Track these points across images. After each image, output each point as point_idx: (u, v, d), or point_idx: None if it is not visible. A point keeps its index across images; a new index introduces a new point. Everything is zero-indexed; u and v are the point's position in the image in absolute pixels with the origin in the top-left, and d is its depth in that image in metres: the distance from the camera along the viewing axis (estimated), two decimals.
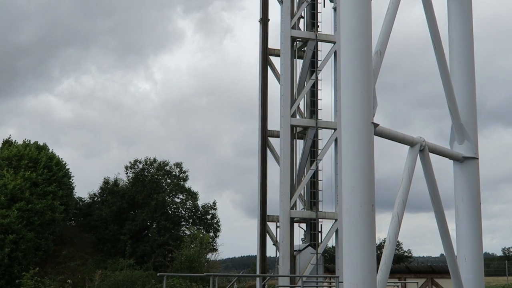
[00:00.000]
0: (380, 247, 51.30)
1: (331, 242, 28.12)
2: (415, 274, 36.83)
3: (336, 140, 26.69)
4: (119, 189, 52.62)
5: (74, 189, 49.03)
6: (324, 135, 27.30)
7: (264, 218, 25.90)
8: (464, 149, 8.21)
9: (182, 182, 54.26)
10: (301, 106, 27.90)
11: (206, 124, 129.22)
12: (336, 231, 26.54)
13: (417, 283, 33.12)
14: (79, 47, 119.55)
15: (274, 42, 27.74)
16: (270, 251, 26.56)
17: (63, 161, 47.45)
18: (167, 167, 54.26)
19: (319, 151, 26.94)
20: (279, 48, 27.32)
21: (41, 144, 47.68)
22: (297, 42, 27.68)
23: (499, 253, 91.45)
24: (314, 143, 27.10)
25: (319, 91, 27.50)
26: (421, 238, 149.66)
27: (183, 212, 54.22)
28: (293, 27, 26.98)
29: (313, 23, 27.92)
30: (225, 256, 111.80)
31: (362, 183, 6.46)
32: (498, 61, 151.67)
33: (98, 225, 50.17)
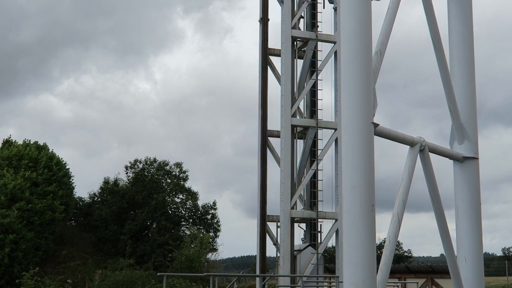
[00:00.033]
0: (380, 247, 51.31)
1: (331, 242, 28.11)
2: (415, 274, 36.83)
3: (336, 140, 26.68)
4: (119, 189, 52.62)
5: (74, 189, 49.08)
6: (325, 135, 27.32)
7: (264, 218, 25.89)
8: (464, 149, 8.21)
9: (182, 182, 54.27)
10: (301, 106, 27.90)
11: (206, 124, 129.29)
12: (337, 231, 26.54)
13: (417, 283, 33.12)
14: (79, 47, 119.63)
15: (274, 42, 27.76)
16: (270, 251, 26.58)
17: (63, 161, 47.49)
18: (167, 167, 54.27)
19: (319, 151, 26.94)
20: (279, 48, 27.31)
21: (41, 144, 47.72)
22: (297, 42, 27.68)
23: (499, 253, 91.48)
24: (315, 143, 27.10)
25: (319, 91, 27.50)
26: (421, 238, 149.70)
27: (183, 212, 54.24)
28: (293, 27, 26.98)
29: (313, 23, 27.92)
30: (225, 256, 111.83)
31: (362, 183, 6.46)
32: (498, 61, 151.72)
33: (98, 225, 50.18)
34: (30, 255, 40.99)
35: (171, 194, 53.83)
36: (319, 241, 26.50)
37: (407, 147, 7.42)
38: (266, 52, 27.06)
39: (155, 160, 54.21)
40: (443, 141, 8.43)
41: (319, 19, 27.95)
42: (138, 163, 54.10)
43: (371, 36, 6.77)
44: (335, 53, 27.15)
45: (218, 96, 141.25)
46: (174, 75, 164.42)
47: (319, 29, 27.67)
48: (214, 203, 55.03)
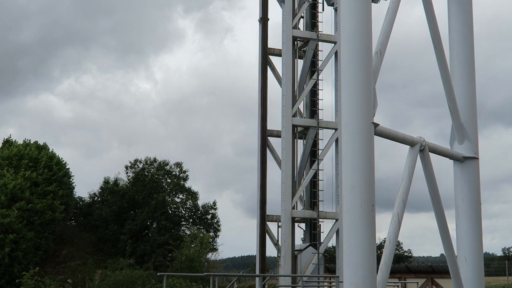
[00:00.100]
0: (380, 247, 51.31)
1: (332, 242, 28.10)
2: (415, 274, 36.83)
3: (337, 140, 26.69)
4: (119, 188, 52.63)
5: (74, 188, 49.09)
6: (325, 135, 27.32)
7: (263, 218, 25.89)
8: (464, 149, 8.21)
9: (182, 182, 54.28)
10: (301, 107, 27.89)
11: (206, 124, 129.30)
12: (337, 231, 26.54)
13: (417, 283, 33.10)
14: (80, 46, 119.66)
15: (274, 41, 27.76)
16: (270, 251, 26.57)
17: (63, 160, 47.50)
18: (167, 167, 54.28)
19: (320, 151, 26.94)
20: (279, 48, 27.32)
21: (41, 143, 47.73)
22: (298, 42, 27.68)
23: (499, 253, 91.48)
24: (315, 143, 27.10)
25: (320, 91, 27.49)
26: (421, 238, 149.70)
27: (183, 212, 54.24)
28: (294, 27, 26.99)
29: (313, 23, 27.92)
30: (225, 256, 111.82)
31: (362, 183, 6.46)
32: (498, 61, 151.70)
33: (98, 224, 50.19)
34: (30, 255, 41.00)
35: (171, 194, 53.83)
36: (320, 240, 26.50)
37: (407, 147, 7.42)
38: (266, 52, 27.06)
39: (155, 160, 54.23)
40: (443, 141, 8.43)
41: (319, 19, 27.95)
42: (138, 163, 54.13)
43: (371, 36, 6.77)
44: (336, 53, 27.16)
45: (219, 96, 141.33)
46: (175, 74, 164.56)
47: (319, 29, 27.68)
48: (214, 203, 55.08)
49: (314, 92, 27.54)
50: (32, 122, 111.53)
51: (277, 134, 26.91)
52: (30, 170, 43.45)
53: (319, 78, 27.37)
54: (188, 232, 51.56)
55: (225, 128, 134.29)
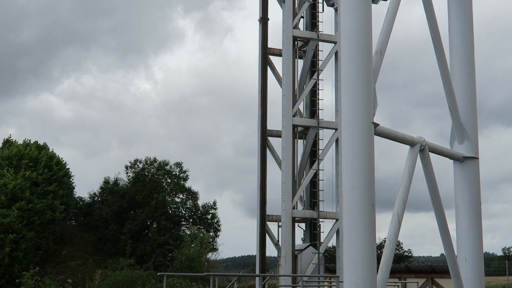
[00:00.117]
0: (380, 247, 51.29)
1: (332, 242, 28.10)
2: (415, 274, 36.82)
3: (337, 140, 26.69)
4: (119, 188, 52.63)
5: (74, 188, 49.12)
6: (325, 135, 27.32)
7: (263, 218, 25.88)
8: (464, 149, 8.21)
9: (182, 182, 54.28)
10: (300, 107, 27.88)
11: (206, 124, 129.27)
12: (337, 231, 26.54)
13: (417, 282, 33.10)
14: (80, 46, 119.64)
15: (273, 41, 27.76)
16: (270, 250, 26.57)
17: (63, 160, 47.51)
18: (167, 167, 54.28)
19: (320, 151, 26.94)
20: (279, 48, 27.31)
21: (41, 143, 47.74)
22: (298, 42, 27.68)
23: (499, 253, 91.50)
24: (315, 143, 27.10)
25: (320, 91, 27.49)
26: (421, 238, 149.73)
27: (183, 212, 54.25)
28: (294, 27, 26.99)
29: (313, 23, 27.93)
30: (225, 255, 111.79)
31: (362, 183, 6.46)
32: (498, 61, 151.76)
33: (98, 224, 50.19)
34: (30, 254, 41.01)
35: (171, 194, 53.83)
36: (320, 240, 26.49)
37: (407, 147, 7.42)
38: (265, 52, 27.06)
39: (155, 160, 54.23)
40: (443, 141, 8.43)
41: (320, 19, 27.95)
42: (138, 163, 54.13)
43: (371, 36, 6.77)
44: (336, 53, 27.16)
45: (219, 96, 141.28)
46: (175, 74, 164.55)
47: (319, 29, 27.68)
48: (214, 203, 55.08)
49: (314, 92, 27.54)
50: (32, 122, 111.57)
51: (277, 134, 26.91)
52: (30, 170, 43.45)
53: (319, 78, 27.38)
54: (188, 232, 51.57)
55: (225, 128, 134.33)
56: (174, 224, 51.48)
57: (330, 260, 42.98)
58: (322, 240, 26.53)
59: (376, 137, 6.74)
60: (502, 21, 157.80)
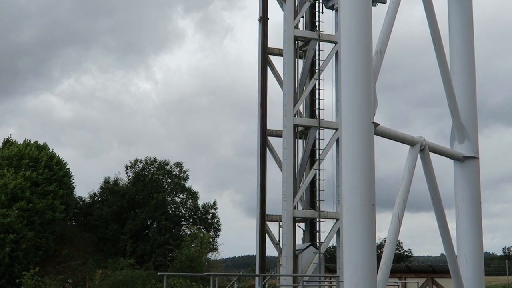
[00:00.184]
0: (380, 246, 51.30)
1: (332, 242, 28.12)
2: (415, 273, 36.80)
3: (337, 140, 26.69)
4: (120, 188, 52.64)
5: (74, 188, 49.14)
6: (326, 135, 27.33)
7: (263, 218, 25.89)
8: (464, 149, 8.21)
9: (182, 182, 54.29)
10: (300, 107, 27.89)
11: (206, 124, 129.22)
12: (338, 231, 26.55)
13: (418, 282, 33.09)
14: (80, 46, 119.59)
15: (273, 41, 27.76)
16: (270, 250, 26.57)
17: (63, 160, 47.52)
18: (168, 167, 54.29)
19: (321, 151, 26.95)
20: (279, 47, 27.33)
21: (42, 143, 47.75)
22: (298, 41, 27.68)
23: (499, 252, 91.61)
24: (316, 143, 27.11)
25: (321, 91, 27.50)
26: (421, 238, 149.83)
27: (184, 212, 54.26)
28: (295, 27, 27.00)
29: (314, 23, 27.93)
30: (226, 255, 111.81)
31: (363, 183, 6.46)
32: (499, 61, 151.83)
33: (98, 224, 50.19)
34: (30, 254, 41.01)
35: (171, 194, 53.85)
36: (321, 240, 26.50)
37: (408, 146, 7.41)
38: (265, 51, 27.07)
39: (155, 160, 54.25)
40: (444, 141, 8.43)
41: (320, 19, 27.97)
42: (138, 163, 54.15)
43: (371, 36, 6.76)
44: (336, 53, 27.16)
45: (219, 96, 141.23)
46: (175, 74, 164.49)
47: (320, 29, 27.68)
48: (215, 203, 55.11)
49: (313, 92, 27.55)
50: (32, 122, 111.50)
51: (277, 134, 26.91)
52: (30, 170, 43.47)
53: (320, 78, 27.38)
54: (188, 232, 51.59)
55: (225, 128, 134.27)
56: (174, 224, 51.49)
57: (330, 260, 42.99)
58: (322, 240, 26.54)
59: (376, 137, 6.73)
60: (502, 21, 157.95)
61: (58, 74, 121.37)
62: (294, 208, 26.06)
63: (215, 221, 54.38)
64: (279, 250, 26.08)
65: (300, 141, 27.66)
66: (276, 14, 27.89)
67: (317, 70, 27.36)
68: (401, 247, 72.36)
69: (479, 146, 8.29)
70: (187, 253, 43.03)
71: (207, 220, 54.07)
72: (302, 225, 27.47)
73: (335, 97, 27.25)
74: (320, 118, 27.06)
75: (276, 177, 26.89)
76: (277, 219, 26.22)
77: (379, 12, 24.73)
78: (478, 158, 8.24)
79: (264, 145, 26.54)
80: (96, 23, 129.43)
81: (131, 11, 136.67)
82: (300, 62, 27.96)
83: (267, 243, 26.04)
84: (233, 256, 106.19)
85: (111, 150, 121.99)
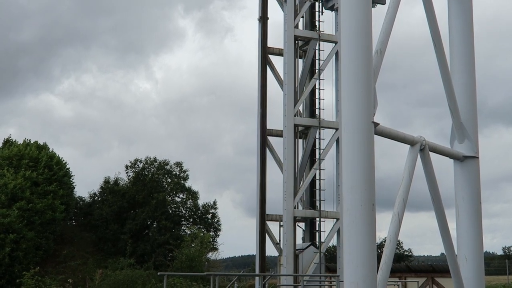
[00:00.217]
0: (380, 246, 51.30)
1: (332, 241, 28.12)
2: (415, 273, 36.80)
3: (337, 140, 26.69)
4: (120, 188, 52.64)
5: (74, 188, 49.13)
6: (326, 135, 27.33)
7: (263, 217, 25.89)
8: (464, 148, 8.21)
9: (182, 181, 54.28)
10: (300, 107, 27.89)
11: (206, 123, 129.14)
12: (338, 230, 26.56)
13: (418, 282, 33.09)
14: (80, 46, 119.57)
15: (273, 40, 27.76)
16: (270, 250, 26.57)
17: (63, 160, 47.52)
18: (168, 166, 54.28)
19: (322, 151, 26.96)
20: (279, 47, 27.34)
21: (42, 143, 47.75)
22: (299, 41, 27.68)
23: (499, 252, 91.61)
24: (316, 143, 27.11)
25: (321, 90, 27.51)
26: (421, 237, 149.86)
27: (184, 212, 54.25)
28: (295, 26, 27.01)
29: (314, 23, 27.94)
30: (226, 255, 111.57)
31: (363, 183, 6.46)
32: (499, 61, 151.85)
33: (98, 224, 50.19)
34: (30, 254, 41.01)
35: (171, 194, 53.84)
36: (321, 240, 26.50)
37: (408, 146, 7.42)
38: (265, 51, 27.07)
39: (155, 160, 54.24)
40: (444, 140, 8.43)
41: (321, 19, 27.97)
42: (138, 163, 54.14)
43: (371, 35, 6.77)
44: (337, 53, 27.16)
45: (219, 95, 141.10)
46: (175, 74, 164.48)
47: (320, 29, 27.69)
48: (215, 203, 55.09)
49: (313, 92, 27.56)
50: (32, 122, 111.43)
51: (277, 134, 26.91)
52: (30, 170, 43.47)
53: (321, 78, 27.39)
54: (188, 232, 51.59)
55: (226, 127, 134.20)
56: (174, 224, 51.49)
57: (330, 259, 42.99)
58: (322, 240, 26.54)
59: (376, 137, 6.74)
60: (502, 21, 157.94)
61: (58, 74, 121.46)
62: (295, 207, 26.07)
63: (215, 220, 54.39)
64: (279, 250, 26.08)
65: (300, 141, 27.66)
66: (276, 13, 27.90)
67: (317, 70, 27.36)
68: (401, 246, 72.35)
69: (479, 146, 8.29)
70: (187, 253, 43.03)
71: (207, 219, 54.07)
72: (302, 224, 27.48)
73: (335, 97, 27.25)
74: (321, 118, 27.06)
75: (276, 176, 26.92)
76: (277, 218, 26.23)
77: (379, 12, 24.72)
78: (478, 157, 8.25)
79: (264, 144, 26.54)
80: (96, 23, 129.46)
81: (131, 11, 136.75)
82: (300, 62, 27.96)
83: (267, 243, 26.05)
84: (233, 255, 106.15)
85: (111, 149, 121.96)
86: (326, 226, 26.78)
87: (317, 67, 27.43)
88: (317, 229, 26.70)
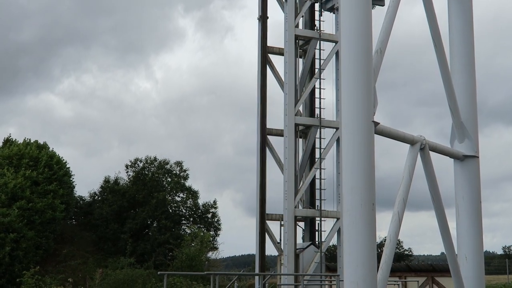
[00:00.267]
0: (380, 245, 51.31)
1: (333, 241, 28.12)
2: (415, 272, 36.81)
3: (338, 139, 26.69)
4: (120, 187, 52.66)
5: (74, 188, 49.19)
6: (327, 134, 27.32)
7: (263, 217, 25.89)
8: (464, 148, 8.20)
9: (182, 181, 54.31)
10: (300, 106, 27.88)
11: (206, 123, 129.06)
12: (338, 230, 26.56)
13: (418, 281, 33.11)
14: (80, 46, 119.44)
15: (273, 40, 27.75)
16: (270, 249, 26.57)
17: (63, 160, 47.55)
18: (168, 166, 54.31)
19: (322, 150, 26.96)
20: (278, 46, 27.32)
21: (42, 143, 47.79)
22: (299, 40, 27.68)
23: (499, 251, 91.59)
24: (316, 142, 27.11)
25: (322, 90, 27.50)
26: (421, 237, 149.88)
27: (184, 211, 54.27)
28: (296, 26, 27.00)
29: (313, 22, 27.93)
30: (226, 254, 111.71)
31: (363, 182, 6.45)
32: (499, 60, 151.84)
33: (98, 223, 50.21)
34: (30, 254, 41.03)
35: (171, 193, 53.85)
36: (322, 239, 26.50)
37: (408, 145, 7.41)
38: (265, 50, 27.06)
39: (155, 159, 54.26)
40: (444, 140, 8.42)
41: (321, 18, 27.96)
42: (138, 162, 54.16)
43: (371, 35, 6.76)
44: (337, 52, 27.15)
45: (219, 95, 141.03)
46: (175, 74, 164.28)
47: (320, 28, 27.68)
48: (215, 202, 55.12)
49: (313, 91, 27.55)
50: (32, 121, 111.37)
51: (277, 133, 26.90)
52: (31, 169, 43.49)
53: (321, 77, 27.38)
54: (188, 231, 51.62)
55: (226, 127, 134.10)
56: (174, 223, 51.51)
57: (331, 259, 43.00)
58: (323, 239, 26.54)
59: (376, 136, 6.73)
60: (503, 20, 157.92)
61: (58, 74, 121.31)
62: (296, 207, 26.07)
63: (215, 220, 54.42)
64: (280, 249, 26.08)
65: (300, 141, 27.66)
66: (275, 13, 27.89)
67: (317, 69, 27.35)
68: (401, 246, 72.37)
69: (480, 145, 8.28)
70: (187, 252, 43.05)
71: (207, 219, 54.09)
72: (302, 224, 27.47)
73: (335, 96, 27.25)
74: (321, 117, 27.06)
75: (276, 176, 26.90)
76: (277, 218, 26.22)
77: (378, 13, 24.73)
78: (478, 157, 8.24)
79: (264, 144, 26.54)
80: (96, 23, 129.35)
81: (131, 11, 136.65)
82: (300, 61, 27.95)
83: (267, 242, 26.06)
84: (233, 255, 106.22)
85: (111, 149, 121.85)
86: (326, 226, 26.80)
87: (317, 66, 27.42)
88: (317, 228, 26.70)
